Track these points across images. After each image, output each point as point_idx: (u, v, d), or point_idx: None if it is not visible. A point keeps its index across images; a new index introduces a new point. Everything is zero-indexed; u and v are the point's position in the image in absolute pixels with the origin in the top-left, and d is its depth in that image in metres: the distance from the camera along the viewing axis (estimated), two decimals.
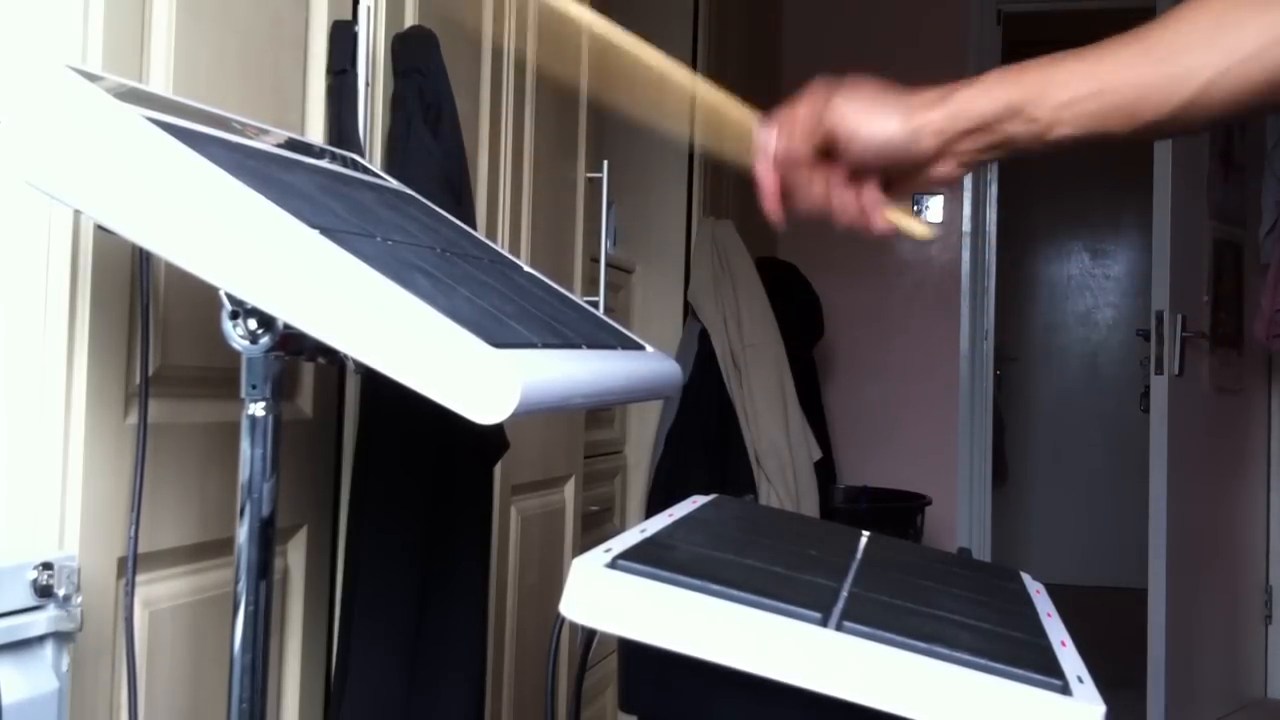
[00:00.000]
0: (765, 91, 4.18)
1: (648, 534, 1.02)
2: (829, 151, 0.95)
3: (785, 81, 4.38)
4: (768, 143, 0.96)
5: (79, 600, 1.06)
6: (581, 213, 2.43)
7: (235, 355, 1.00)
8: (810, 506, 3.20)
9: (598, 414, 2.86)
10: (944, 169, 0.94)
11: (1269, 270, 3.72)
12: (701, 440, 3.14)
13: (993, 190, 4.44)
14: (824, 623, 0.84)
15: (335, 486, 1.54)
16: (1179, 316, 3.54)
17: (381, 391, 1.46)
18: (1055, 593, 1.23)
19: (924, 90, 0.93)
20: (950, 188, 4.37)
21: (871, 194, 0.96)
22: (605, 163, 2.48)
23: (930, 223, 1.01)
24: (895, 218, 0.97)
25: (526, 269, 1.35)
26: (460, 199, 1.62)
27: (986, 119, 0.91)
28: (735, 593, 0.85)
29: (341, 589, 1.49)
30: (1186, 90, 0.88)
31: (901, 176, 0.96)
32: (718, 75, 3.43)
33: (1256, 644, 4.03)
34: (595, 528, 2.72)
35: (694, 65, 3.27)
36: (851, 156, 0.94)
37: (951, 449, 4.31)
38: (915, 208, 4.38)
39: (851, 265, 4.29)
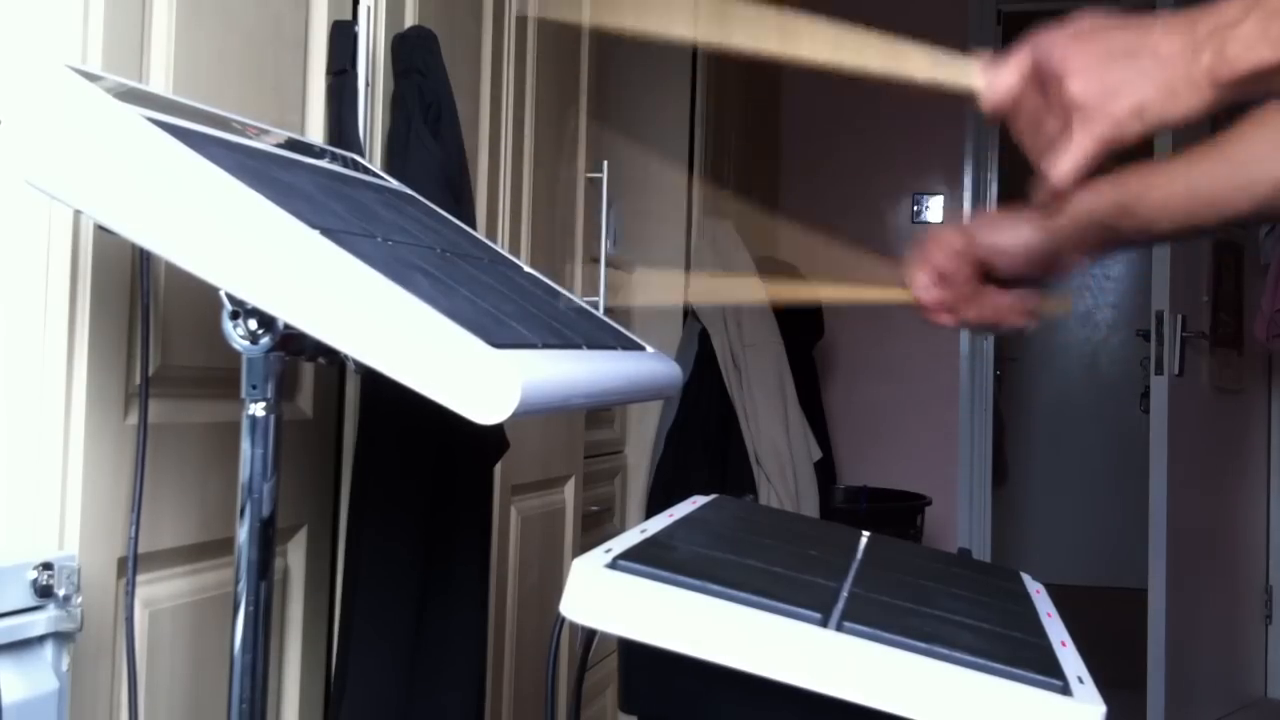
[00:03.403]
0: (765, 91, 4.18)
1: (648, 534, 1.02)
2: (978, 270, 1.09)
3: (785, 81, 4.38)
4: (923, 270, 1.10)
5: (79, 600, 1.06)
6: (581, 213, 2.43)
7: (235, 355, 1.00)
8: (810, 506, 3.19)
9: (598, 414, 2.86)
10: (1073, 260, 1.10)
11: (1269, 270, 3.72)
12: (701, 440, 3.14)
13: (993, 190, 4.44)
14: (824, 623, 0.84)
15: (335, 486, 1.54)
16: (1179, 316, 3.54)
17: (381, 391, 1.46)
18: (1055, 593, 1.23)
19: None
20: (950, 187, 4.37)
21: (1019, 296, 1.10)
22: (605, 163, 2.48)
23: (1065, 299, 1.20)
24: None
25: (526, 269, 1.35)
26: (460, 199, 1.62)
27: (1100, 218, 1.06)
28: (735, 593, 0.85)
29: (341, 589, 1.49)
30: (1261, 191, 1.05)
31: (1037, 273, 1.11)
32: (718, 73, 3.42)
33: (1256, 644, 4.03)
34: (595, 528, 2.72)
35: (693, 70, 3.26)
36: (1002, 269, 1.08)
37: (952, 449, 4.31)
38: (915, 208, 4.38)
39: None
